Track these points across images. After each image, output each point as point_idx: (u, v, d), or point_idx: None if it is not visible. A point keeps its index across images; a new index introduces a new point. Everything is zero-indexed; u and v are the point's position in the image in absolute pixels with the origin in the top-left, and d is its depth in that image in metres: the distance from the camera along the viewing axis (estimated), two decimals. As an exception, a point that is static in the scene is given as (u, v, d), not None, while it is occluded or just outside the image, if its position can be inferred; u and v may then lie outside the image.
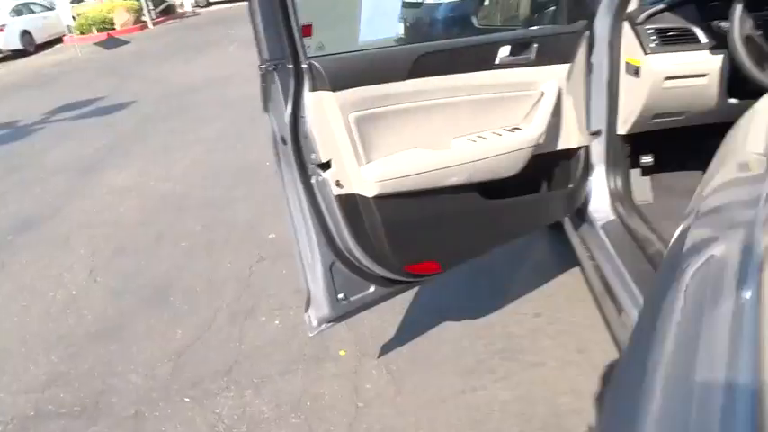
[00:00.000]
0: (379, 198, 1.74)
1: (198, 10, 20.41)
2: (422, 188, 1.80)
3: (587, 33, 2.08)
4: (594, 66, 2.16)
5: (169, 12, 19.61)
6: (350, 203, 1.74)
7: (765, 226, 0.71)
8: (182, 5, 20.89)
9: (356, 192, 1.73)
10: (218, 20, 16.56)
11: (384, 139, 1.74)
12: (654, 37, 2.08)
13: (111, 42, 15.15)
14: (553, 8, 2.33)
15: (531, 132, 1.98)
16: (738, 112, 1.30)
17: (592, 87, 2.20)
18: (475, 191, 1.95)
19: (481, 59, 1.89)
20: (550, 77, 2.01)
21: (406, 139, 1.79)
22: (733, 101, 2.09)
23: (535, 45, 1.95)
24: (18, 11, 15.88)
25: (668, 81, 2.08)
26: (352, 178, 1.71)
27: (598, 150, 2.31)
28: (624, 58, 2.16)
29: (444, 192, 1.86)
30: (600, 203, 2.32)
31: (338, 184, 1.70)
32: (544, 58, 1.98)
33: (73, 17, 15.79)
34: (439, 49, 1.82)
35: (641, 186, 2.52)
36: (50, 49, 15.86)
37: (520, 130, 1.99)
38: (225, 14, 17.46)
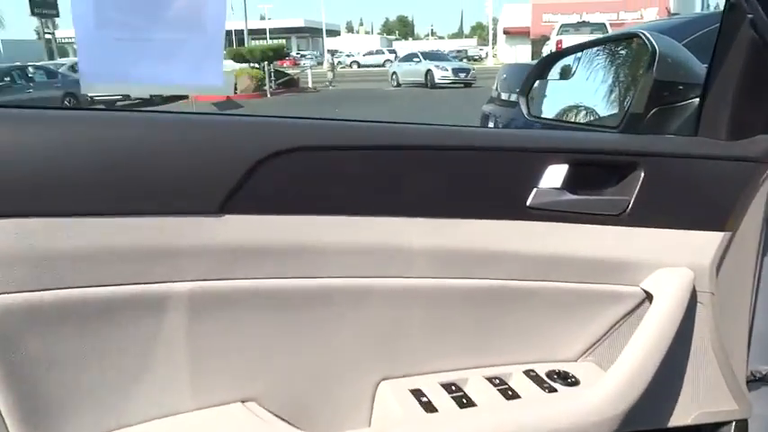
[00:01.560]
0: None
1: (319, 87, 21.07)
2: None
3: None
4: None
5: (290, 85, 20.36)
6: None
7: None
8: (305, 80, 21.72)
9: None
10: (333, 97, 16.79)
11: None
12: None
13: (227, 105, 15.67)
14: (690, 99, 1.18)
15: (599, 394, 0.88)
16: None
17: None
18: None
19: (490, 192, 0.92)
20: (667, 260, 0.96)
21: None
22: None
23: (639, 175, 0.94)
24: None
25: None
26: None
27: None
28: None
29: None
30: None
31: None
32: (654, 212, 0.96)
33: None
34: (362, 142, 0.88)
35: None
36: (173, 104, 16.73)
37: (572, 381, 0.93)
38: (341, 92, 17.70)
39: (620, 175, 0.99)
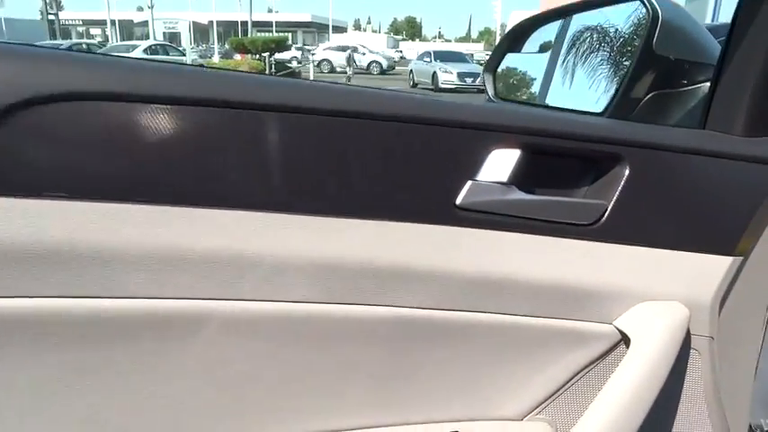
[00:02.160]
0: None
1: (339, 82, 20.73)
2: None
3: None
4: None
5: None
6: None
7: None
8: (306, 74, 21.44)
9: None
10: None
11: None
12: None
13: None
14: (697, 84, 0.92)
15: None
16: None
17: None
18: None
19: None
20: (653, 290, 0.72)
21: None
22: None
23: (622, 172, 0.69)
24: (154, 50, 16.79)
25: None
26: None
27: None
28: None
29: None
30: None
31: None
32: (639, 224, 0.72)
33: (201, 67, 16.48)
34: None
35: None
36: None
37: None
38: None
39: (597, 170, 0.72)
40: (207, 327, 0.57)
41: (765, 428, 1.00)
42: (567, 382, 0.74)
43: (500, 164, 0.65)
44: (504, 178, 0.65)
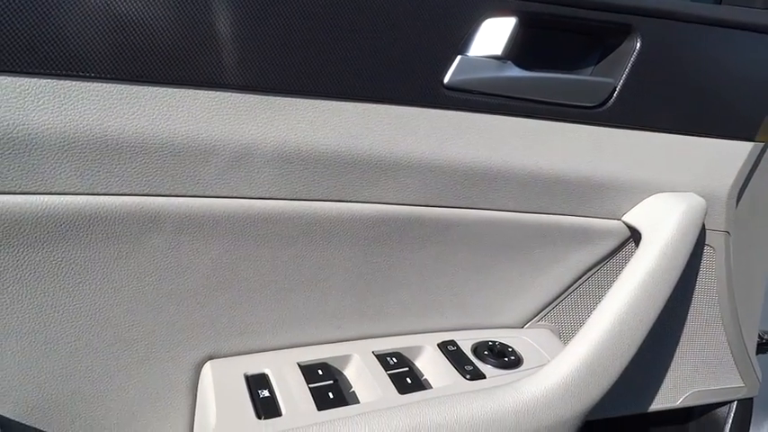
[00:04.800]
0: None
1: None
2: None
3: None
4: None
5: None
6: None
7: None
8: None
9: None
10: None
11: None
12: None
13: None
14: None
15: (544, 385, 0.55)
16: None
17: None
18: None
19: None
20: (665, 181, 0.66)
21: None
22: None
23: (633, 46, 0.61)
24: None
25: None
26: None
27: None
28: None
29: None
30: None
31: None
32: (650, 105, 0.64)
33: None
34: None
35: None
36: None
37: (509, 361, 0.62)
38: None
39: (604, 45, 0.63)
40: (162, 227, 0.50)
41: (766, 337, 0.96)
42: (573, 284, 0.68)
43: (494, 35, 0.56)
44: (499, 52, 0.57)
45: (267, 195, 0.53)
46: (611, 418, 0.76)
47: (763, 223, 0.75)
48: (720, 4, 0.69)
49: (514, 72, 0.58)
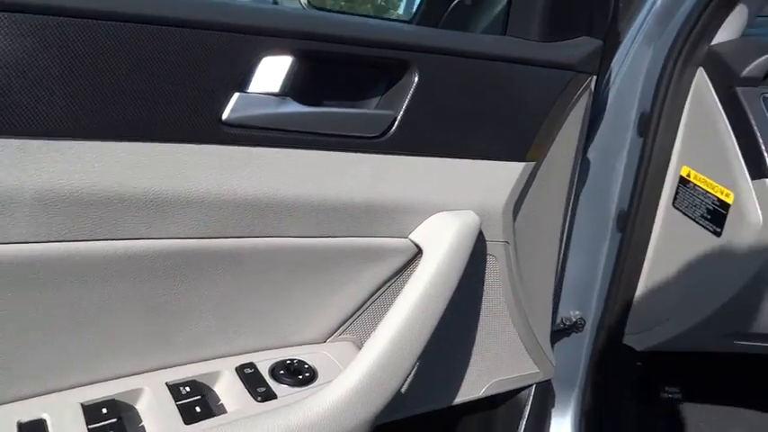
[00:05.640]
0: None
1: None
2: None
3: (591, 83, 0.73)
4: (592, 172, 0.83)
5: None
6: None
7: None
8: None
9: None
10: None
11: None
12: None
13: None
14: None
15: (336, 393, 0.60)
16: None
17: (580, 226, 0.86)
18: None
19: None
20: (444, 201, 0.72)
21: None
22: None
23: (411, 81, 0.65)
24: None
25: None
26: None
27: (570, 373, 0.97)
28: (680, 166, 0.81)
29: None
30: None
31: None
32: (429, 133, 0.69)
33: None
34: None
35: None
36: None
37: (305, 377, 0.65)
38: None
39: (386, 79, 0.67)
40: None
41: (574, 320, 1.08)
42: (368, 300, 0.72)
43: (272, 73, 0.58)
44: (277, 89, 0.59)
45: (37, 239, 0.51)
46: (427, 416, 0.83)
47: (543, 230, 0.85)
48: (504, 35, 0.77)
49: (294, 108, 0.60)
